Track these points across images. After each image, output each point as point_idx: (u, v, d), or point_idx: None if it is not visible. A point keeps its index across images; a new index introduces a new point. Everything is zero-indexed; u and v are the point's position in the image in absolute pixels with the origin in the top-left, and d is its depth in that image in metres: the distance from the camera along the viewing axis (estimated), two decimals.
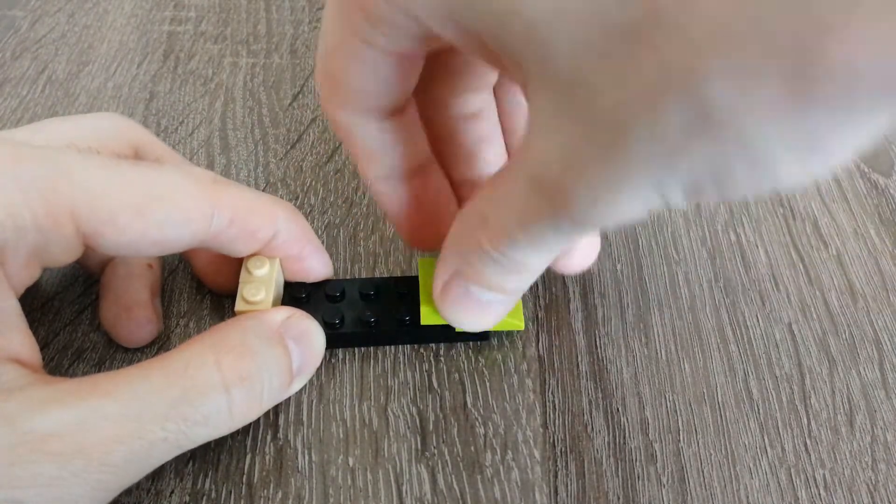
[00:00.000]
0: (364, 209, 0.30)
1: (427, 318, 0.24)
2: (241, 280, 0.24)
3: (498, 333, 0.26)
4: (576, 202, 0.17)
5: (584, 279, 0.28)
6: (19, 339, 0.20)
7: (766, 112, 0.14)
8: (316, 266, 0.26)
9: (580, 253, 0.27)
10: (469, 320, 0.23)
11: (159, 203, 0.21)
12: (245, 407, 0.20)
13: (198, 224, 0.22)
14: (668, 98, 0.14)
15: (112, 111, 0.33)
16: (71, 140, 0.23)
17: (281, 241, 0.24)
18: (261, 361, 0.21)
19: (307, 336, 0.23)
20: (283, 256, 0.25)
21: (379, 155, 0.23)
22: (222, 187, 0.23)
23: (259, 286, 0.24)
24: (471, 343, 0.26)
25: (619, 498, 0.23)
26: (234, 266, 0.25)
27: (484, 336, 0.26)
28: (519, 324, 0.25)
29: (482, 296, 0.22)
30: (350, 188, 0.31)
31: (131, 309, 0.25)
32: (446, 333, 0.25)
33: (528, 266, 0.21)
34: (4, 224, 0.19)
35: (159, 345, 0.26)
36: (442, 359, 0.26)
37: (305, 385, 0.25)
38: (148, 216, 0.21)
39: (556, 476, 0.23)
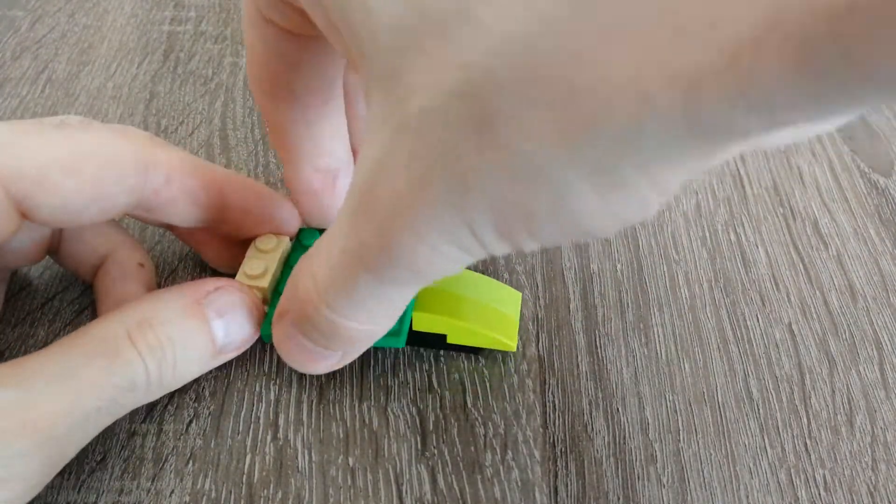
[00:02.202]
0: None
1: (419, 323, 0.24)
2: (245, 256, 0.24)
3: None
4: (381, 230, 0.16)
5: (584, 279, 0.28)
6: None
7: (544, 134, 0.12)
8: (286, 217, 0.25)
9: None
10: (308, 368, 0.22)
11: (89, 158, 0.21)
12: (159, 375, 0.21)
13: (133, 179, 0.21)
14: (454, 101, 0.13)
15: (111, 111, 0.33)
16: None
17: (235, 209, 0.24)
18: (170, 332, 0.21)
19: (234, 310, 0.22)
20: (242, 225, 0.24)
21: (294, 145, 0.23)
22: (158, 145, 0.22)
23: (261, 262, 0.24)
24: None
25: (619, 498, 0.23)
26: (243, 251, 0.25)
27: (476, 350, 0.26)
28: (511, 344, 0.25)
29: (310, 347, 0.21)
30: None
31: None
32: (438, 342, 0.25)
33: (348, 330, 0.19)
34: None
35: None
36: (442, 359, 0.26)
37: (305, 385, 0.25)
38: (79, 173, 0.20)
39: (556, 476, 0.23)
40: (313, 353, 0.21)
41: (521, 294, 0.26)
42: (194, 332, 0.22)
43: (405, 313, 0.24)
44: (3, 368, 0.19)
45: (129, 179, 0.21)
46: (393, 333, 0.23)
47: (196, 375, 0.22)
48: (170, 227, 0.26)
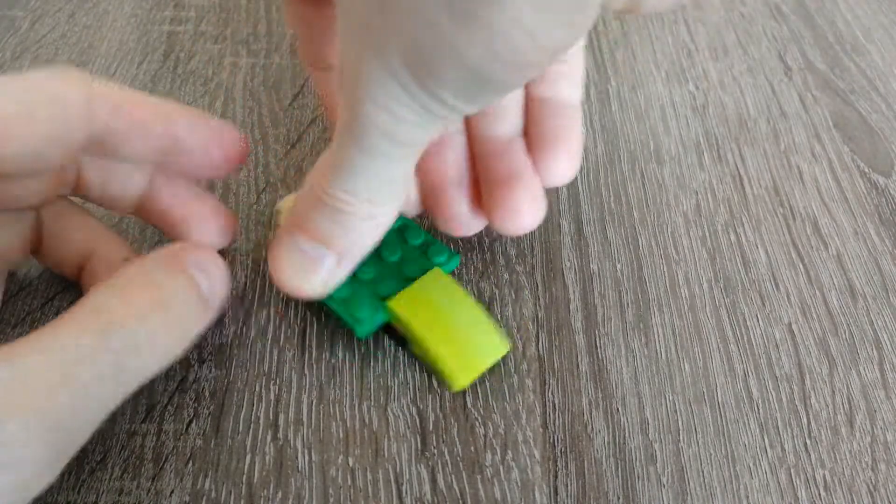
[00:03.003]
0: None
1: (392, 313, 0.25)
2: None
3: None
4: (353, 103, 0.19)
5: (584, 279, 0.28)
6: None
7: None
8: (234, 141, 0.25)
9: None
10: (293, 275, 0.23)
11: (37, 101, 0.21)
12: (165, 335, 0.20)
13: (80, 111, 0.21)
14: None
15: None
16: None
17: (189, 145, 0.24)
18: (167, 290, 0.21)
19: (206, 262, 0.23)
20: (194, 153, 0.24)
21: (311, 37, 0.24)
22: (101, 83, 0.23)
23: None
24: None
25: (619, 498, 0.23)
26: None
27: (428, 370, 0.25)
28: (456, 383, 0.24)
29: (307, 248, 0.22)
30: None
31: None
32: (402, 342, 0.26)
33: (350, 205, 0.21)
34: None
35: None
36: None
37: (305, 385, 0.25)
38: (31, 115, 0.21)
39: (556, 476, 0.23)
40: (309, 257, 0.22)
41: (508, 348, 0.25)
42: (183, 284, 0.22)
43: (377, 309, 0.25)
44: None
45: (76, 112, 0.21)
46: (357, 321, 0.24)
47: (193, 333, 0.22)
48: (143, 215, 0.26)
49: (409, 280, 0.25)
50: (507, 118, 0.26)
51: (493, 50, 0.17)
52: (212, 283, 0.22)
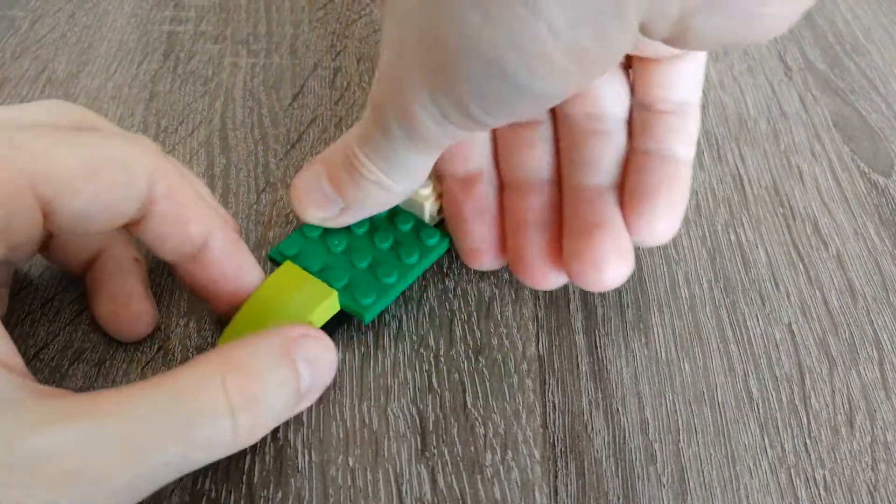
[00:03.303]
0: None
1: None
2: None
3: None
4: (381, 109, 0.20)
5: None
6: (1, 342, 0.19)
7: None
8: (249, 275, 0.25)
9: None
10: (304, 202, 0.25)
11: (109, 164, 0.21)
12: (248, 431, 0.20)
13: (142, 186, 0.21)
14: None
15: (111, 111, 0.33)
16: (12, 119, 0.23)
17: (217, 249, 0.24)
18: (267, 383, 0.20)
19: (320, 358, 0.22)
20: (210, 277, 0.24)
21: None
22: (163, 157, 0.23)
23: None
24: (471, 343, 0.26)
25: (619, 498, 0.23)
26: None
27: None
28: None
29: (324, 186, 0.24)
30: None
31: (128, 303, 0.25)
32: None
33: (367, 169, 0.23)
34: None
35: (158, 344, 0.26)
36: (442, 359, 0.26)
37: None
38: (98, 178, 0.20)
39: (556, 476, 0.23)
40: (322, 196, 0.24)
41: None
42: (287, 382, 0.21)
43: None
44: (82, 402, 0.17)
45: (140, 186, 0.21)
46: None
47: (274, 425, 0.21)
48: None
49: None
50: (600, 167, 0.24)
51: (513, 41, 0.16)
52: (315, 379, 0.22)
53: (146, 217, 0.22)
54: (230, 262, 0.24)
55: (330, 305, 0.25)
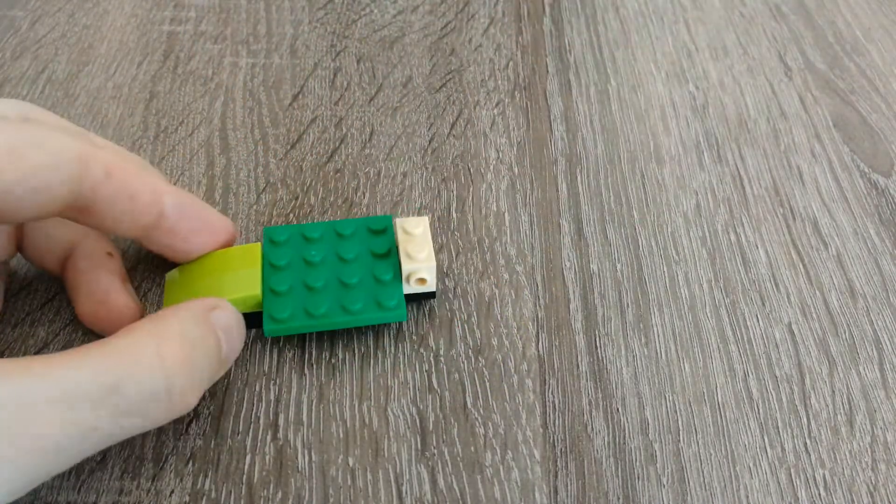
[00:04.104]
0: (364, 209, 0.30)
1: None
2: (399, 240, 0.25)
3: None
4: None
5: (584, 279, 0.28)
6: None
7: None
8: (218, 230, 0.25)
9: None
10: None
11: (34, 146, 0.21)
12: (183, 395, 0.20)
13: (72, 168, 0.21)
14: None
15: (111, 111, 0.33)
16: None
17: (174, 211, 0.24)
18: (198, 350, 0.21)
19: (233, 329, 0.23)
20: (178, 237, 0.24)
21: None
22: (98, 143, 0.23)
23: (421, 244, 0.25)
24: (471, 343, 0.26)
25: (619, 498, 0.23)
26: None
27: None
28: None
29: None
30: (350, 188, 0.31)
31: (107, 299, 0.25)
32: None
33: None
34: None
35: None
36: (442, 359, 0.26)
37: (305, 385, 0.25)
38: (23, 157, 0.20)
39: (556, 476, 0.23)
40: None
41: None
42: (213, 349, 0.22)
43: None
44: (13, 365, 0.18)
45: (68, 168, 0.21)
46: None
47: (203, 390, 0.22)
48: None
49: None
50: None
51: None
52: (230, 349, 0.23)
53: (95, 203, 0.22)
54: (192, 220, 0.25)
55: (249, 300, 0.25)
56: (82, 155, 0.22)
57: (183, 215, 0.24)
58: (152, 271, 0.28)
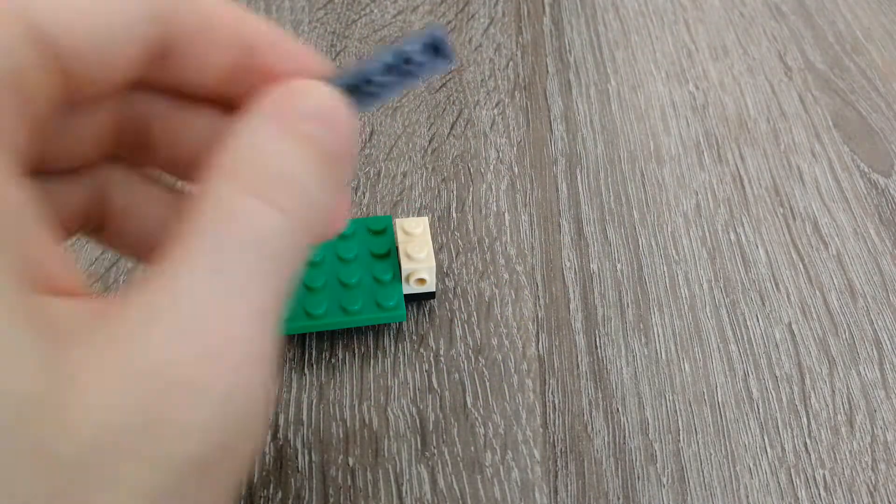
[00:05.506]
0: (364, 209, 0.30)
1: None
2: (399, 240, 0.26)
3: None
4: None
5: (584, 279, 0.28)
6: (42, 252, 0.15)
7: None
8: (313, 64, 0.19)
9: None
10: None
11: None
12: (305, 222, 0.16)
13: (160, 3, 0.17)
14: None
15: None
16: None
17: (265, 41, 0.19)
18: (286, 164, 0.16)
19: (322, 108, 0.17)
20: (277, 68, 0.19)
21: None
22: None
23: (421, 244, 0.25)
24: (471, 343, 0.26)
25: (619, 498, 0.23)
26: None
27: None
28: None
29: None
30: (350, 188, 0.31)
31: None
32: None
33: None
34: None
35: None
36: (442, 359, 0.26)
37: (305, 385, 0.25)
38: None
39: (556, 476, 0.23)
40: None
41: None
42: (298, 152, 0.17)
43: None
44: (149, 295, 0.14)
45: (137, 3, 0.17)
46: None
47: (328, 203, 0.17)
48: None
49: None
50: None
51: None
52: (336, 135, 0.17)
53: (169, 46, 0.18)
54: (285, 53, 0.19)
55: None
56: None
57: (277, 50, 0.19)
58: None
